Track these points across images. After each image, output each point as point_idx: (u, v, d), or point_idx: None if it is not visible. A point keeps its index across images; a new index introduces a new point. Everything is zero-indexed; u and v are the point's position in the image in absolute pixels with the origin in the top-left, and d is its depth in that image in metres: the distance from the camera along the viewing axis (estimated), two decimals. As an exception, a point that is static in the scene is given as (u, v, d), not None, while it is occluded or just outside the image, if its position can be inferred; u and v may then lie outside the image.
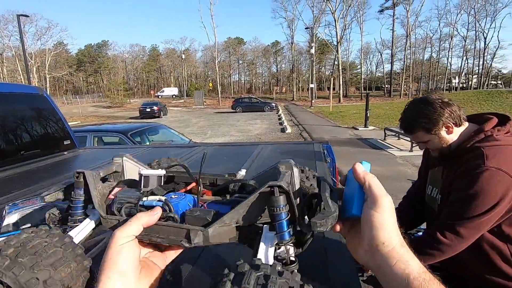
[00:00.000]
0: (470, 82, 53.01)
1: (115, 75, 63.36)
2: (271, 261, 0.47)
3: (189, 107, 38.19)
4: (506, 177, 1.08)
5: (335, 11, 41.97)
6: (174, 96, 56.40)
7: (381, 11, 50.04)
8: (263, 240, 0.51)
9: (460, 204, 1.15)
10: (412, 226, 1.73)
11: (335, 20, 42.18)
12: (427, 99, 1.30)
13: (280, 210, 0.48)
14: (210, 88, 58.46)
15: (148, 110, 24.39)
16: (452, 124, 1.25)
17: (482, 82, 47.97)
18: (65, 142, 2.53)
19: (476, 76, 52.12)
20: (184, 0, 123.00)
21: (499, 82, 55.40)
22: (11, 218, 0.78)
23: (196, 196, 0.59)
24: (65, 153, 2.42)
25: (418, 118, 1.30)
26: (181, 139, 5.88)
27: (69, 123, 2.70)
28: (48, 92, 2.44)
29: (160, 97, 52.55)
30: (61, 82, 63.89)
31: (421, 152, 1.64)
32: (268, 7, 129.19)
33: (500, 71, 59.67)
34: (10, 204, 0.86)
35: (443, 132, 1.27)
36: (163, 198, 0.54)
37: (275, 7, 59.56)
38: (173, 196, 0.56)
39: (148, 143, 5.19)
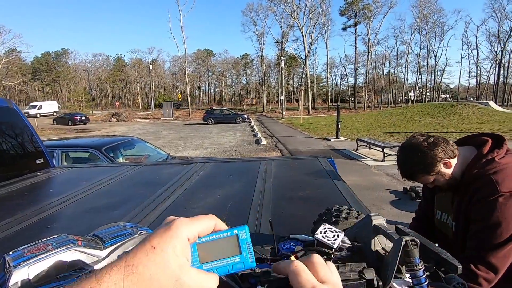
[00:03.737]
0: (424, 96, 57.85)
1: (76, 85, 59.78)
2: None
3: (157, 118, 36.95)
4: None
5: (302, 27, 43.82)
6: (54, 113, 40.27)
7: (344, 28, 53.39)
8: None
9: (486, 234, 1.16)
10: None
11: (302, 36, 43.99)
12: (413, 145, 1.30)
13: (419, 266, 0.51)
14: (179, 99, 57.30)
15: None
16: (448, 160, 1.26)
17: (434, 96, 52.66)
18: (38, 161, 2.21)
19: (429, 90, 57.15)
20: (152, 10, 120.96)
21: (448, 95, 61.13)
22: (20, 274, 0.57)
23: None
24: (39, 174, 2.10)
25: (413, 167, 1.31)
26: (158, 153, 5.56)
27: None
28: None
29: (38, 115, 38.27)
30: (13, 91, 58.65)
31: (394, 162, 1.65)
32: (238, 21, 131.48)
33: (448, 85, 66.15)
34: (12, 253, 0.65)
35: (443, 169, 1.28)
36: None
37: (245, 21, 60.75)
38: None
39: (121, 159, 4.82)
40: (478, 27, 57.27)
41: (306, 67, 45.25)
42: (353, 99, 53.57)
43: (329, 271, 0.35)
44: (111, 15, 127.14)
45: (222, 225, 0.38)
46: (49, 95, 64.83)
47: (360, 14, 49.64)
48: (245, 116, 28.35)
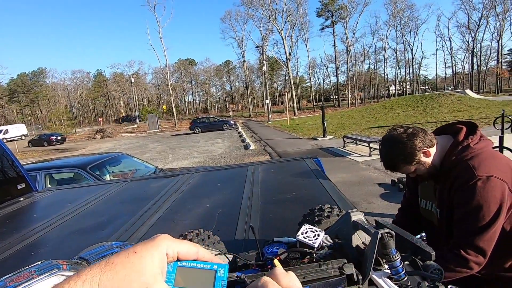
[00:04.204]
0: (404, 89, 59.45)
1: (56, 105, 58.26)
2: None
3: (143, 131, 36.41)
4: (498, 181, 1.17)
5: (281, 30, 44.37)
6: (23, 137, 37.70)
7: (322, 29, 54.39)
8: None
9: (469, 219, 1.21)
10: None
11: (282, 39, 44.49)
12: (393, 137, 1.37)
13: (395, 257, 0.53)
14: (164, 110, 56.69)
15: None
16: (427, 149, 1.32)
17: (414, 88, 54.22)
18: (19, 186, 2.14)
19: (409, 83, 58.83)
20: (129, 23, 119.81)
21: (427, 87, 63.04)
22: (2, 307, 0.57)
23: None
24: (21, 199, 2.04)
25: (395, 158, 1.36)
26: (145, 167, 5.48)
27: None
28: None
29: (4, 140, 30.98)
30: (-11, 116, 56.59)
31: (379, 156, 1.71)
32: (218, 28, 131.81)
33: (427, 77, 68.33)
34: (-6, 284, 0.64)
35: (423, 159, 1.33)
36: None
37: (224, 28, 61.07)
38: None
39: (108, 176, 4.72)
40: (449, 19, 59.78)
41: (288, 69, 45.73)
42: (336, 97, 54.46)
43: (291, 280, 0.37)
44: (88, 31, 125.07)
45: (206, 254, 0.41)
46: (28, 117, 62.91)
47: (336, 14, 50.78)
48: (232, 122, 28.32)
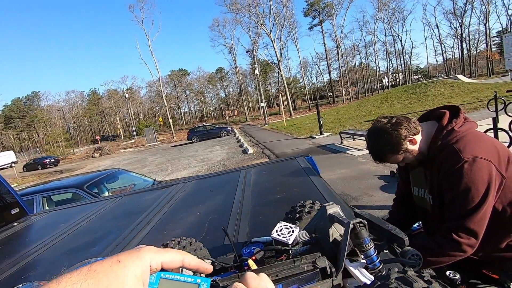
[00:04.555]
0: (398, 80, 59.71)
1: (52, 127, 58.28)
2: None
3: (141, 145, 36.39)
4: (484, 162, 1.17)
5: (270, 33, 44.62)
6: (13, 164, 35.75)
7: (311, 28, 54.79)
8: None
9: (459, 202, 1.21)
10: (408, 226, 1.76)
11: (272, 41, 44.74)
12: (378, 129, 1.37)
13: (369, 246, 0.53)
14: (161, 123, 56.73)
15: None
16: (413, 136, 1.32)
17: (407, 79, 54.45)
18: (13, 211, 2.13)
19: (401, 73, 59.11)
20: (120, 40, 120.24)
21: (420, 76, 63.33)
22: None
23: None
24: (15, 224, 2.03)
25: (382, 149, 1.37)
26: (143, 181, 5.46)
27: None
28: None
29: None
30: (-14, 144, 56.50)
31: None
32: (207, 37, 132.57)
33: (418, 66, 68.68)
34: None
35: (409, 147, 1.34)
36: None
37: (213, 36, 61.31)
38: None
39: (106, 193, 4.70)
40: (435, 7, 60.39)
41: (280, 71, 45.93)
42: (331, 94, 54.66)
43: (261, 282, 0.37)
44: (79, 50, 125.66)
45: (192, 261, 0.41)
46: (25, 141, 62.82)
47: (323, 13, 51.19)
48: (229, 128, 28.33)
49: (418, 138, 1.34)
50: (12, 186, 2.28)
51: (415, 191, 1.55)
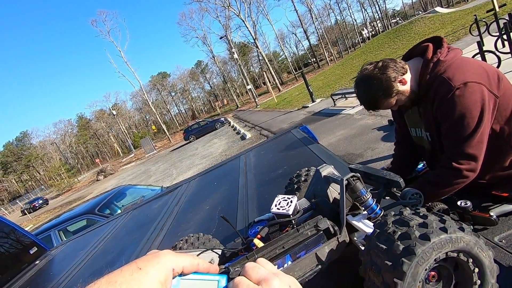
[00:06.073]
0: (377, 28, 58.55)
1: (50, 161, 58.10)
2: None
3: (141, 157, 36.38)
4: (475, 85, 1.15)
5: (239, 13, 43.37)
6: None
7: (278, -2, 53.11)
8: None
9: (455, 130, 1.19)
10: (413, 167, 1.76)
11: (243, 21, 43.54)
12: (366, 75, 1.34)
13: (366, 196, 0.52)
14: (155, 130, 56.40)
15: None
16: (402, 76, 1.30)
17: (385, 25, 53.35)
18: (32, 251, 2.15)
19: (379, 21, 57.86)
20: (92, 59, 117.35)
21: (398, 18, 62.03)
22: None
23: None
24: (37, 262, 2.06)
25: (373, 95, 1.34)
26: (151, 190, 5.49)
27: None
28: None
29: None
30: (-9, 194, 56.60)
31: None
32: (177, 34, 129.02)
33: (395, 9, 67.12)
34: None
35: (400, 88, 1.31)
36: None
37: (183, 31, 59.71)
38: None
39: (119, 211, 4.74)
40: None
41: (259, 49, 45.00)
42: (314, 60, 53.83)
43: (260, 269, 0.37)
44: (54, 81, 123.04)
45: (205, 264, 0.41)
46: (28, 182, 62.87)
47: (286, -22, 49.38)
48: (222, 119, 28.16)
49: (408, 77, 1.32)
50: (27, 228, 2.30)
51: (413, 132, 1.54)
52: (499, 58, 5.11)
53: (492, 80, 1.18)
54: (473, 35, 6.65)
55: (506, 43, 5.62)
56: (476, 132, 1.15)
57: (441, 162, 1.24)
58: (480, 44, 4.92)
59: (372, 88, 1.32)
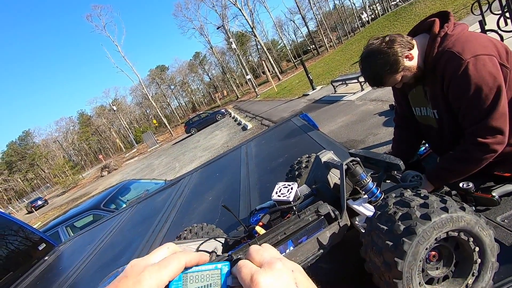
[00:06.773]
0: (376, 11, 57.38)
1: (54, 159, 58.53)
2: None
3: (144, 152, 36.53)
4: (487, 57, 1.11)
5: (236, 2, 42.59)
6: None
7: (274, -16, 51.90)
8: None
9: (474, 104, 1.15)
10: (415, 150, 1.74)
11: (240, 9, 42.77)
12: (373, 49, 1.30)
13: (366, 180, 0.52)
14: (156, 125, 56.43)
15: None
16: (408, 52, 1.26)
17: (385, 7, 52.24)
18: (40, 248, 2.19)
19: (378, 4, 56.63)
20: (88, 55, 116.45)
21: (398, 0, 60.68)
22: None
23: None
24: (46, 258, 2.10)
25: (380, 70, 1.29)
26: (155, 184, 5.54)
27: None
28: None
29: None
30: (-2, 193, 57.33)
31: (370, 87, 1.64)
32: (174, 25, 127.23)
33: (394, -9, 65.54)
34: None
35: (407, 63, 1.27)
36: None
37: (180, 22, 58.80)
38: None
39: (124, 205, 4.79)
40: None
41: (257, 37, 44.33)
42: (313, 46, 53.09)
43: (265, 252, 0.38)
44: (53, 79, 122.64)
45: (193, 257, 0.40)
46: (34, 180, 63.54)
47: (282, -37, 48.26)
48: (223, 110, 28.05)
49: (415, 53, 1.28)
50: (35, 225, 2.34)
51: (417, 111, 1.50)
52: (501, 36, 5.01)
53: (502, 53, 1.15)
54: (474, 14, 6.50)
55: (508, 21, 5.49)
56: (498, 104, 1.11)
57: (467, 140, 1.21)
58: (482, 23, 4.81)
59: (379, 63, 1.28)
